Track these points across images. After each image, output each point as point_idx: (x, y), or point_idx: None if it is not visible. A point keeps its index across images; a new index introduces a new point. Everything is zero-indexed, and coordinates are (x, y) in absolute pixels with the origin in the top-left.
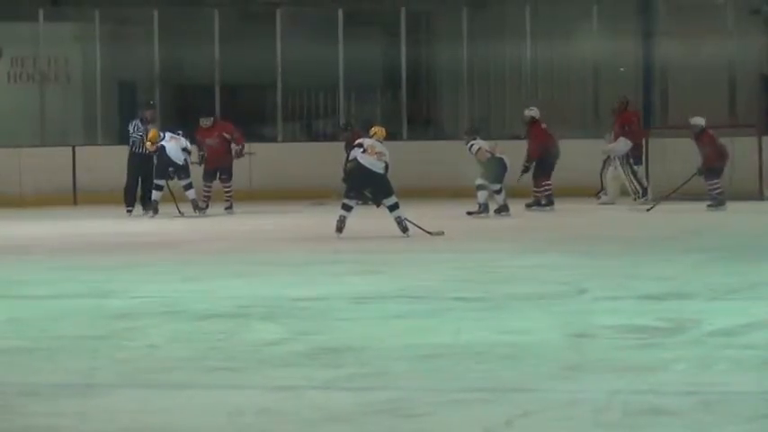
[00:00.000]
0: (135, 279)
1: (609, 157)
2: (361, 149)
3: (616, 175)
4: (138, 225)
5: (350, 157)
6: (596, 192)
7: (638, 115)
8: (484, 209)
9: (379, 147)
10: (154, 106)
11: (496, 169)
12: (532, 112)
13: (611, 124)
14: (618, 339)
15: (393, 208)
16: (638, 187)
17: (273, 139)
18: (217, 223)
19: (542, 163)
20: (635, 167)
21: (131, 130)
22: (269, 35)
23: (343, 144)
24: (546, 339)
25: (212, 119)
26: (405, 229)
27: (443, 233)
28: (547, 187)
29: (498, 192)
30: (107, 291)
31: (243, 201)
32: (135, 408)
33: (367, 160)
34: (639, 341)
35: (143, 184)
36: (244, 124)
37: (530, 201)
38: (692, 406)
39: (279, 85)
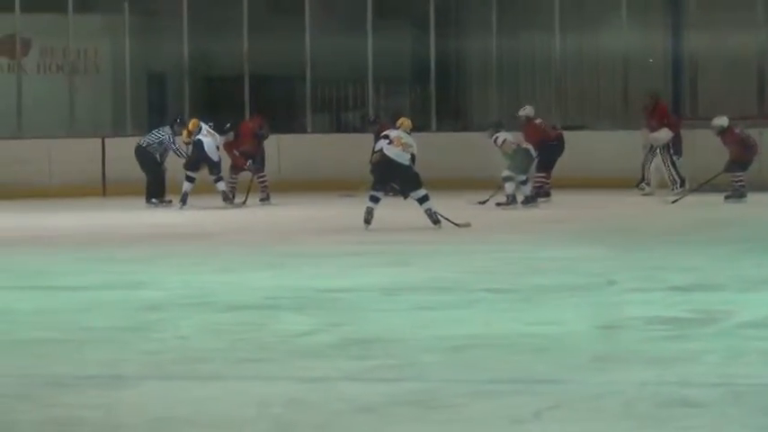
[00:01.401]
0: (164, 270)
1: (651, 148)
2: (387, 141)
3: (658, 165)
4: (168, 216)
5: (375, 149)
6: (637, 182)
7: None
8: (512, 200)
9: (406, 138)
10: (184, 124)
11: (523, 160)
12: (526, 111)
13: (644, 121)
14: (647, 331)
15: (423, 200)
16: (676, 177)
17: (303, 131)
18: (246, 214)
19: (540, 157)
20: (674, 158)
21: (160, 138)
22: (298, 26)
23: (372, 136)
24: (575, 331)
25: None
26: (436, 221)
27: (470, 225)
28: (540, 180)
29: (524, 182)
30: (136, 282)
31: (272, 192)
32: (163, 399)
33: (392, 152)
34: (669, 332)
35: (155, 176)
36: (273, 115)
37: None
38: (721, 397)
39: (308, 76)
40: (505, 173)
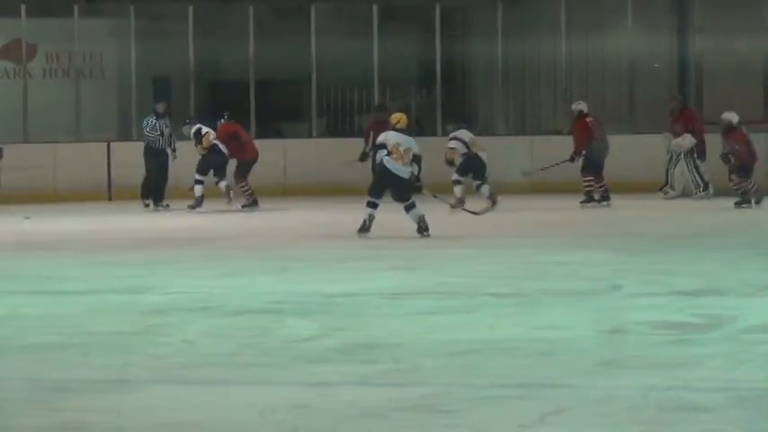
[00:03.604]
0: (169, 275)
1: (674, 153)
2: (386, 151)
3: (682, 170)
4: (173, 221)
5: (376, 159)
6: (660, 186)
7: (696, 112)
8: (460, 203)
9: (404, 143)
10: (166, 99)
11: (466, 163)
12: (580, 105)
13: (668, 125)
14: (652, 335)
15: (409, 208)
16: (699, 181)
17: (308, 135)
18: (250, 219)
19: (586, 158)
20: (697, 162)
21: (146, 127)
22: (304, 31)
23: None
24: (580, 335)
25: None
26: (423, 229)
27: (492, 207)
28: (589, 183)
29: (458, 183)
30: (142, 286)
31: (277, 196)
32: (169, 404)
33: (392, 165)
34: (674, 337)
35: (156, 179)
36: (278, 120)
37: (583, 198)
38: (726, 402)
39: (314, 80)
40: (454, 176)
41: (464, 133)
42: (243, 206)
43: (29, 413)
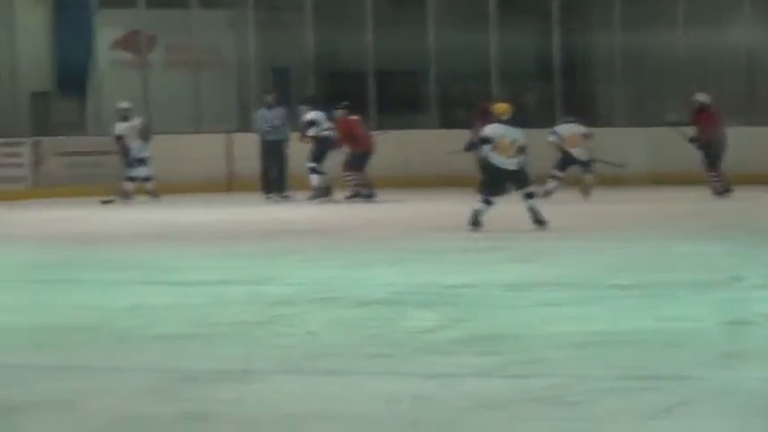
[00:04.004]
0: (292, 266)
1: None
2: (490, 146)
3: None
4: (294, 212)
5: (482, 154)
6: None
7: None
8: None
9: (508, 135)
10: (274, 90)
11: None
12: (702, 97)
13: None
14: None
15: (528, 197)
16: None
17: (425, 126)
18: (370, 210)
19: (708, 151)
20: None
21: (257, 119)
22: (422, 21)
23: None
24: (703, 327)
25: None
26: (539, 221)
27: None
28: (714, 177)
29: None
30: (265, 277)
31: (400, 187)
32: (293, 394)
33: (497, 160)
34: None
35: (272, 170)
36: (397, 111)
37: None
38: None
39: (432, 72)
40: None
41: (563, 128)
42: (346, 197)
43: (155, 403)
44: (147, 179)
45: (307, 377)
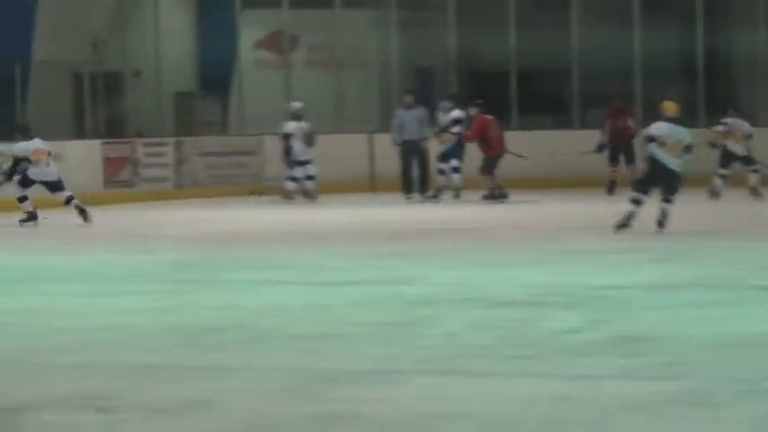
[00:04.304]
0: (434, 266)
1: None
2: (656, 143)
3: None
4: (434, 212)
5: (648, 151)
6: None
7: None
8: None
9: (676, 134)
10: (414, 91)
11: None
12: None
13: None
14: None
15: (668, 201)
16: None
17: (568, 127)
18: (511, 211)
19: None
20: None
21: (393, 119)
22: (564, 21)
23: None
24: None
25: None
26: (661, 225)
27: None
28: None
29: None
30: (406, 277)
31: (542, 188)
32: (434, 394)
33: (664, 157)
34: None
35: (409, 170)
36: (538, 111)
37: None
38: None
39: (574, 71)
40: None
41: (734, 121)
42: (483, 197)
43: (294, 403)
44: (309, 178)
45: (446, 378)
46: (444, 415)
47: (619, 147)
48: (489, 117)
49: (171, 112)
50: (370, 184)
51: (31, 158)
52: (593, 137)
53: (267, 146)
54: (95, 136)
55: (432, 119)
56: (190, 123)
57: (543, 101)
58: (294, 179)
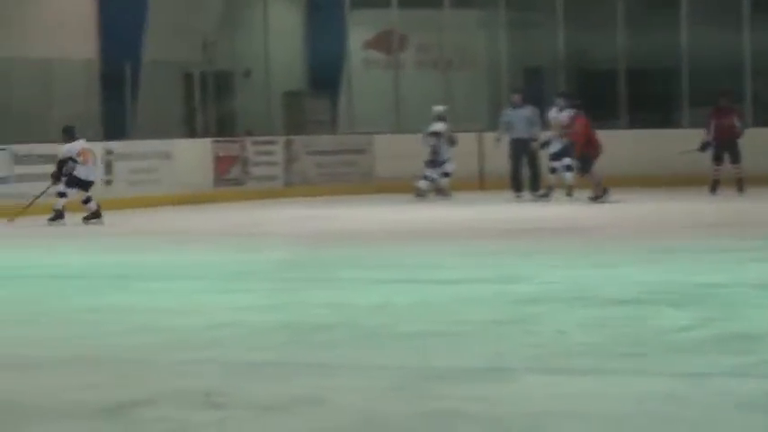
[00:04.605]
0: (542, 264)
1: None
2: None
3: None
4: (543, 211)
5: None
6: None
7: None
8: None
9: None
10: (522, 90)
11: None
12: None
13: None
14: None
15: None
16: None
17: (678, 126)
18: (619, 209)
19: None
20: None
21: (503, 119)
22: (673, 20)
23: None
24: None
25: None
26: None
27: None
28: None
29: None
30: (514, 276)
31: (648, 187)
32: (544, 393)
33: None
34: None
35: (519, 169)
36: (648, 109)
37: None
38: None
39: (683, 70)
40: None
41: None
42: (590, 198)
43: (401, 401)
44: (446, 175)
45: (556, 376)
46: (553, 413)
47: (723, 145)
48: (585, 116)
49: (280, 111)
50: (480, 183)
51: (78, 159)
52: (701, 136)
53: (376, 144)
54: (206, 135)
55: (541, 118)
56: (299, 122)
57: (652, 99)
58: (431, 178)
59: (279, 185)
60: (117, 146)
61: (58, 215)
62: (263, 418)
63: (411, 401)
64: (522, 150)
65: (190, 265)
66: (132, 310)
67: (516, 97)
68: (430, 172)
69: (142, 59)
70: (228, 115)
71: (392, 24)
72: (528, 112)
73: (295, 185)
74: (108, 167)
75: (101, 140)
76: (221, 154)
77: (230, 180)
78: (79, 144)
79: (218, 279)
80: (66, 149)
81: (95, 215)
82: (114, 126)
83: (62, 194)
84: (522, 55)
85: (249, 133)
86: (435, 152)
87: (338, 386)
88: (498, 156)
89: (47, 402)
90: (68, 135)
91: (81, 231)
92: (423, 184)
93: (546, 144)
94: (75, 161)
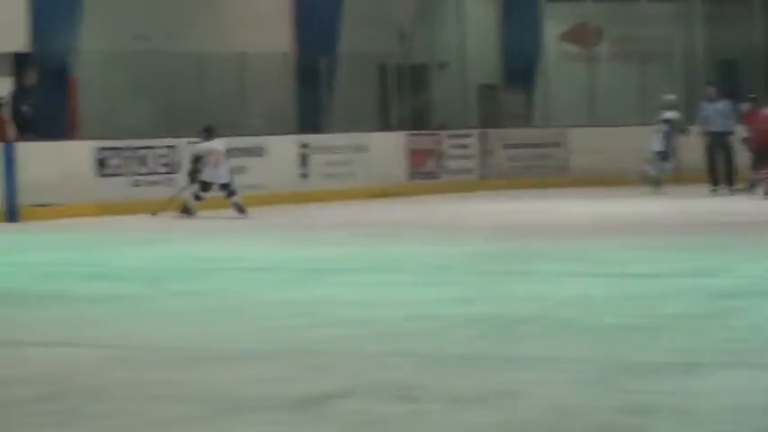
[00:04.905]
0: (739, 258)
1: None
2: None
3: None
4: (741, 205)
5: None
6: None
7: None
8: None
9: None
10: (716, 83)
11: None
12: None
13: None
14: None
15: None
16: None
17: None
18: None
19: None
20: None
21: (700, 112)
22: None
23: None
24: None
25: None
26: None
27: None
28: None
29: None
30: (710, 269)
31: None
32: (738, 388)
33: None
34: None
35: (725, 163)
36: None
37: None
38: None
39: None
40: None
41: None
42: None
43: (596, 393)
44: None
45: (753, 371)
46: (748, 407)
47: None
48: (757, 110)
49: (475, 104)
50: (675, 176)
51: (204, 159)
52: None
53: (571, 138)
54: (400, 128)
55: (735, 111)
56: (494, 115)
57: None
58: (662, 170)
59: (473, 178)
60: (312, 139)
61: (186, 210)
62: (457, 411)
63: (607, 395)
64: (719, 144)
65: (386, 257)
66: (328, 302)
67: (711, 90)
68: (662, 164)
69: (338, 52)
70: (423, 108)
71: (587, 17)
72: (723, 105)
73: (490, 179)
74: (303, 161)
75: (295, 133)
76: (416, 147)
77: (425, 173)
78: (212, 144)
79: (414, 272)
80: (198, 149)
81: (186, 211)
82: (309, 119)
83: (197, 197)
84: (718, 48)
85: (443, 126)
86: (667, 138)
87: (533, 379)
88: (693, 149)
89: (245, 394)
90: (208, 134)
91: (271, 224)
92: (652, 170)
93: (747, 140)
94: (200, 161)
